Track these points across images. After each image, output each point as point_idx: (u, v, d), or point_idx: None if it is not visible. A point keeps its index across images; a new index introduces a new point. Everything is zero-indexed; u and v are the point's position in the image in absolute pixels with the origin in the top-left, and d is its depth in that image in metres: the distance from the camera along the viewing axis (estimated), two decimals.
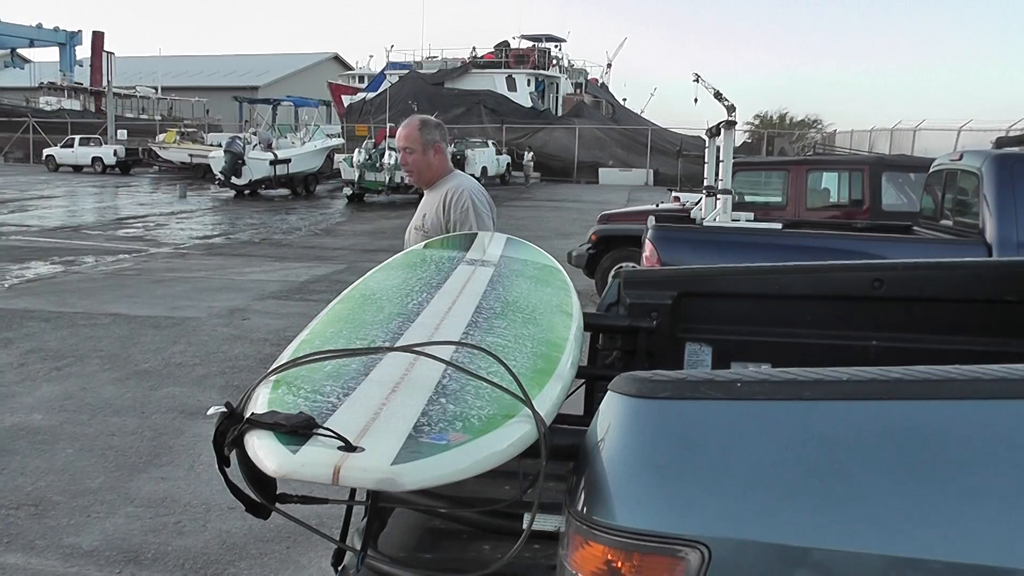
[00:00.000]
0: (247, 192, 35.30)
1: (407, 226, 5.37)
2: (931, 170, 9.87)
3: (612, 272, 12.60)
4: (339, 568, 2.91)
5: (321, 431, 1.88)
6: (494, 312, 3.02)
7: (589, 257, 13.57)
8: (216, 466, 2.23)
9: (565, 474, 2.25)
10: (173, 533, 5.54)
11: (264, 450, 1.89)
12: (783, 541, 1.78)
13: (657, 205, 15.98)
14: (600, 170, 50.97)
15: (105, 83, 62.77)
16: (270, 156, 35.12)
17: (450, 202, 5.04)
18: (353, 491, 2.86)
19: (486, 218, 5.18)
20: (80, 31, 71.82)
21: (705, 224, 10.48)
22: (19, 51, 74.08)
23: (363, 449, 1.83)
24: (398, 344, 2.53)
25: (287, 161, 35.80)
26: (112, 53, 64.43)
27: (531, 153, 49.68)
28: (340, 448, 1.82)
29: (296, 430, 1.89)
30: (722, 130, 10.56)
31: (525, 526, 2.00)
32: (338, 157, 37.40)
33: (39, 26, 69.64)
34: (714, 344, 4.01)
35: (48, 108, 65.26)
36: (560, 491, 2.17)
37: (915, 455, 1.82)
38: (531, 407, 2.07)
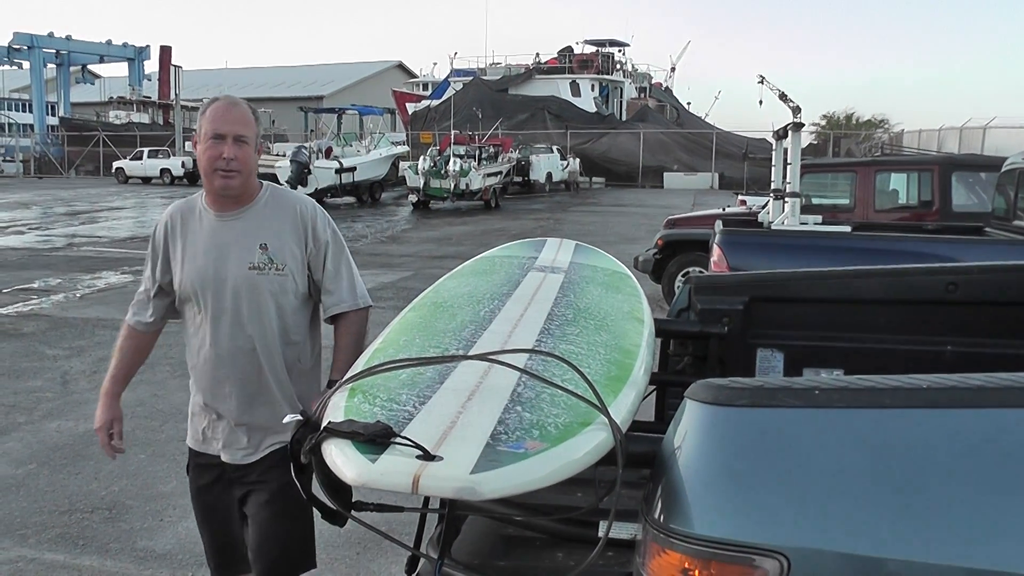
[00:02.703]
0: None
1: (229, 262, 3.52)
2: (1003, 169, 9.69)
3: (680, 277, 12.64)
4: (413, 575, 2.93)
5: (399, 440, 1.89)
6: (566, 319, 3.02)
7: (656, 262, 13.50)
8: (291, 473, 2.25)
9: (639, 481, 2.24)
10: None
11: (343, 459, 1.90)
12: (863, 552, 1.76)
13: (724, 209, 15.89)
14: (665, 174, 50.66)
15: (173, 96, 63.54)
16: (336, 165, 35.34)
17: (311, 221, 3.62)
18: (426, 499, 2.87)
19: None
20: (148, 46, 72.84)
21: (773, 227, 10.39)
22: (89, 67, 75.25)
23: (442, 458, 1.84)
24: (472, 352, 2.53)
25: (352, 169, 35.99)
26: (179, 67, 65.24)
27: (577, 159, 48.51)
28: (419, 457, 1.83)
29: (375, 439, 1.90)
30: (789, 132, 10.46)
31: (602, 534, 1.99)
32: (403, 164, 37.51)
33: (108, 42, 70.71)
34: (786, 350, 3.98)
35: (117, 122, 66.15)
36: (635, 499, 2.16)
37: (997, 465, 1.79)
38: (607, 415, 2.07)
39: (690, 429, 1.95)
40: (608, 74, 67.62)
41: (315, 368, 3.76)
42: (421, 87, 76.40)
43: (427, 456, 1.83)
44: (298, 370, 3.66)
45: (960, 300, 3.88)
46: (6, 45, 64.24)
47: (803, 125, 10.83)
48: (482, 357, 2.42)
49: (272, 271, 3.51)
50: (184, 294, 3.60)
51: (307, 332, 3.70)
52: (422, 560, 2.85)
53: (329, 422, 2.04)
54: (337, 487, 2.15)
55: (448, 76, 67.68)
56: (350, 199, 37.30)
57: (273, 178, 38.17)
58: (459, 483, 1.79)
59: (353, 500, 2.27)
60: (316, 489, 2.31)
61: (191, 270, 3.55)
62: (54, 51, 67.51)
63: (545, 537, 2.83)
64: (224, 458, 3.69)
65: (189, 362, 3.73)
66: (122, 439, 3.93)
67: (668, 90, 76.52)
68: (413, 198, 34.31)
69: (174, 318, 3.83)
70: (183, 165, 51.20)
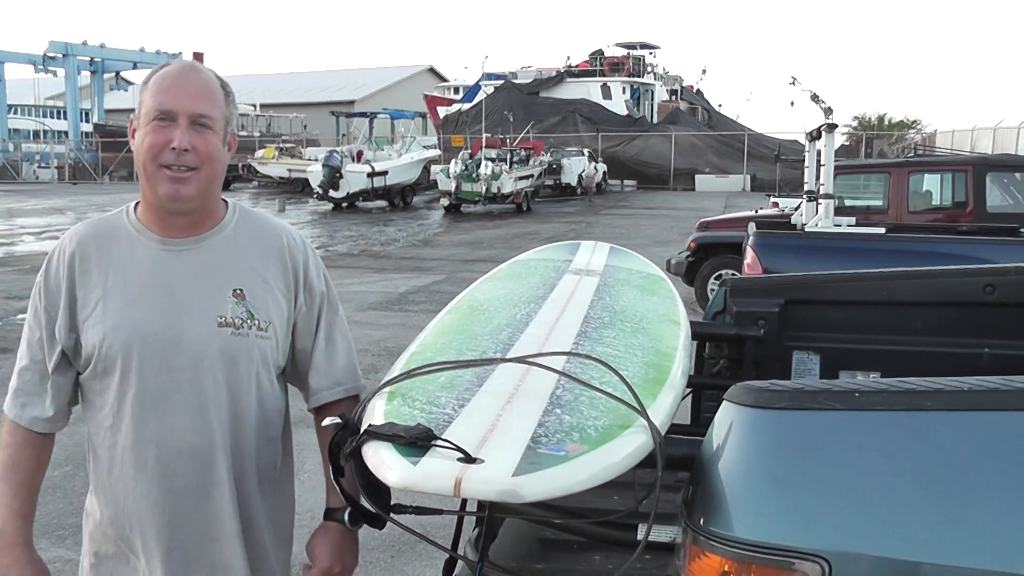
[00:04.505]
0: (345, 205, 35.65)
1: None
2: None
3: (713, 279, 12.62)
4: None
5: (440, 443, 1.89)
6: (602, 322, 3.02)
7: (688, 265, 13.49)
8: (332, 476, 2.26)
9: (677, 484, 2.24)
10: None
11: (385, 462, 1.90)
12: (904, 556, 1.75)
13: (756, 211, 15.85)
14: (696, 177, 50.47)
15: None
16: (367, 168, 35.44)
17: (303, 262, 2.58)
18: (464, 502, 2.87)
19: None
20: (180, 53, 73.07)
21: (807, 229, 10.36)
22: (123, 74, 75.83)
23: (483, 461, 1.84)
24: (510, 355, 2.53)
25: (384, 173, 36.09)
26: None
27: (592, 163, 45.10)
28: (460, 460, 1.83)
29: (415, 442, 1.90)
30: (823, 133, 10.43)
31: (641, 536, 1.99)
32: (435, 168, 37.61)
33: (142, 50, 71.12)
34: (822, 352, 3.96)
35: None
36: (673, 502, 2.16)
37: None
38: (646, 417, 2.07)
39: (729, 432, 1.95)
40: (639, 77, 67.52)
41: (287, 476, 2.70)
42: (452, 91, 76.54)
43: (468, 459, 1.83)
44: (271, 481, 2.60)
45: (998, 302, 3.85)
46: (42, 54, 64.85)
47: (836, 126, 10.80)
48: (520, 360, 2.43)
49: (253, 331, 2.44)
50: (104, 360, 2.38)
51: (283, 423, 2.66)
52: (460, 563, 2.86)
53: (369, 425, 2.05)
54: (375, 490, 2.16)
55: (479, 80, 67.70)
56: (382, 203, 37.37)
57: (305, 183, 38.44)
58: (501, 486, 1.79)
59: (391, 503, 2.28)
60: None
61: (120, 322, 2.36)
62: (88, 59, 68.15)
63: (582, 540, 2.84)
64: None
65: (97, 472, 2.50)
66: None
67: (699, 92, 76.22)
68: (445, 202, 34.34)
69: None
70: None
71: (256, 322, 2.44)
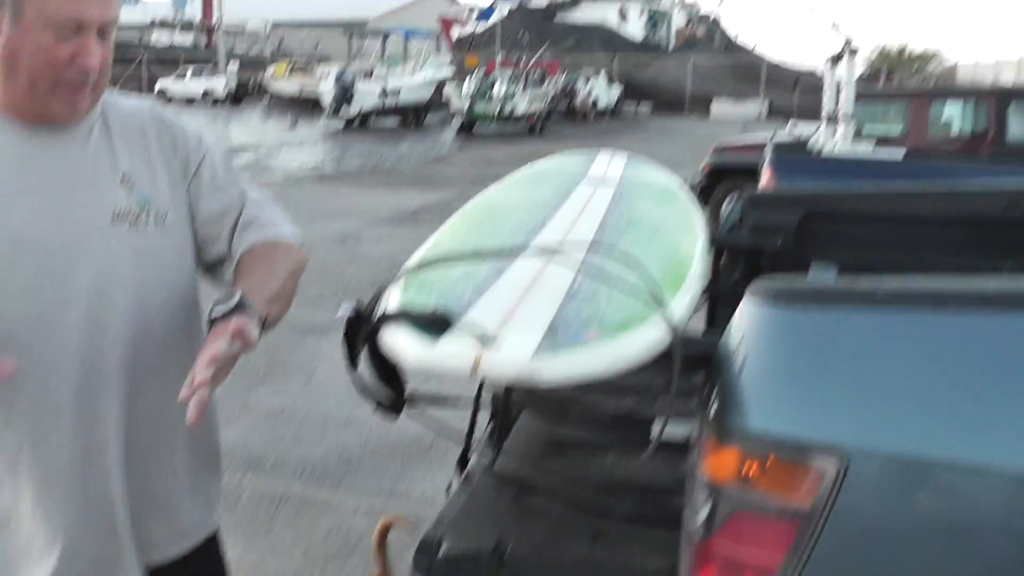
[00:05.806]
0: (357, 123, 35.48)
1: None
2: None
3: (732, 195, 12.51)
4: (463, 473, 2.94)
5: (459, 325, 1.88)
6: (619, 229, 2.98)
7: (702, 188, 13.38)
8: (345, 366, 2.23)
9: (687, 389, 2.23)
10: (291, 443, 5.66)
11: (402, 343, 1.90)
12: (920, 452, 1.74)
13: (774, 134, 15.72)
14: (713, 101, 49.98)
15: (216, 19, 63.57)
16: (380, 86, 35.20)
17: (180, 133, 2.15)
18: (479, 395, 2.87)
19: None
20: None
21: (825, 153, 10.27)
22: None
23: (501, 344, 1.83)
24: (528, 249, 2.51)
25: (396, 92, 35.86)
26: None
27: (588, 84, 42.31)
28: (478, 342, 1.82)
29: (434, 323, 1.89)
30: (845, 56, 10.30)
31: (655, 433, 1.99)
32: (448, 87, 37.35)
33: None
34: (839, 268, 3.93)
35: (160, 45, 66.30)
36: (687, 406, 2.15)
37: None
38: (665, 311, 2.05)
39: (749, 328, 1.93)
40: (657, 2, 66.74)
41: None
42: (467, 12, 75.78)
43: (487, 341, 1.82)
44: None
45: (1018, 220, 3.82)
46: None
47: (858, 50, 10.66)
48: (540, 251, 2.40)
49: (151, 222, 2.01)
50: None
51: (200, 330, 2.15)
52: (473, 458, 2.87)
53: (385, 310, 2.03)
54: (390, 380, 2.16)
55: (494, 2, 66.98)
56: (393, 123, 37.17)
57: (316, 101, 38.20)
58: (519, 367, 1.78)
59: (406, 394, 2.27)
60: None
61: None
62: None
63: (596, 440, 2.84)
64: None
65: None
66: None
67: (716, 21, 75.38)
68: (458, 121, 34.16)
69: None
70: (226, 84, 51.11)
71: (154, 211, 2.03)
